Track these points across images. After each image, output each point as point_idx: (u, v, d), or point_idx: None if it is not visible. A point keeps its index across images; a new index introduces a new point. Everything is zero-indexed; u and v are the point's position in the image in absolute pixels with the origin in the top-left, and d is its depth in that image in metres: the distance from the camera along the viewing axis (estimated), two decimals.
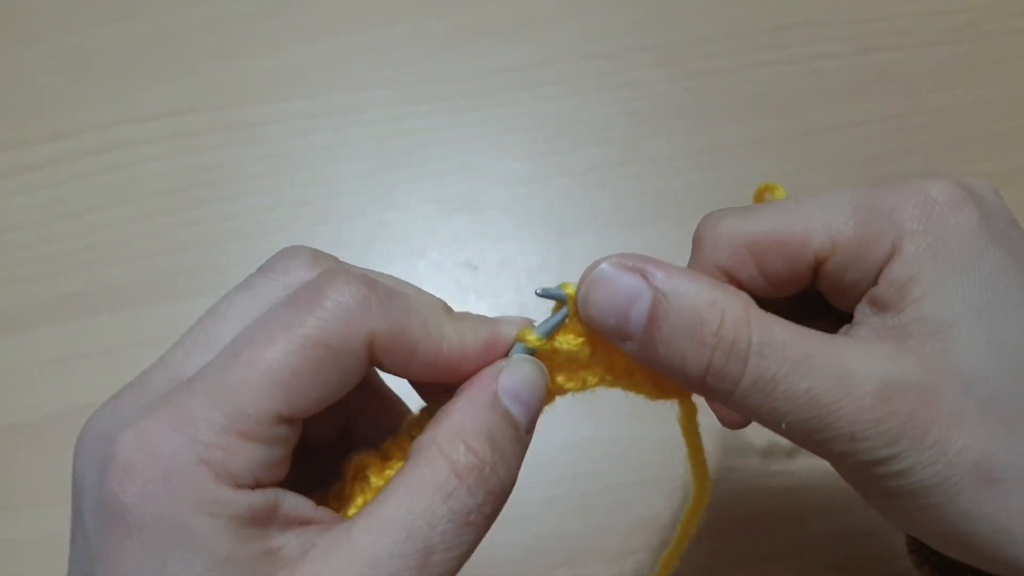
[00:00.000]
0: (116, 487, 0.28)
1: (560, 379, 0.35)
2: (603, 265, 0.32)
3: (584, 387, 0.35)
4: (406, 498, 0.28)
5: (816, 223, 0.32)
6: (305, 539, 0.29)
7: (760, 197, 0.36)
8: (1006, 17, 0.70)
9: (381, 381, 0.37)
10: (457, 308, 0.34)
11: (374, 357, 0.30)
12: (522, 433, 0.31)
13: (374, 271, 0.33)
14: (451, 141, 0.66)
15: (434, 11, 0.70)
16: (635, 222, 0.63)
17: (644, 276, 0.31)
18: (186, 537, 0.27)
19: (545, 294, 0.33)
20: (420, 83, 0.68)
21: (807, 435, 0.30)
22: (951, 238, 0.31)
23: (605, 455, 0.56)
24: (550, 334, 0.33)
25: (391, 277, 0.33)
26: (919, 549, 0.38)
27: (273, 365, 0.28)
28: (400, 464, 0.31)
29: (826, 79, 0.67)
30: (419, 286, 0.60)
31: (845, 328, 0.33)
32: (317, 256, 0.33)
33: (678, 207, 0.63)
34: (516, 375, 0.31)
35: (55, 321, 0.60)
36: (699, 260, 0.34)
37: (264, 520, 0.28)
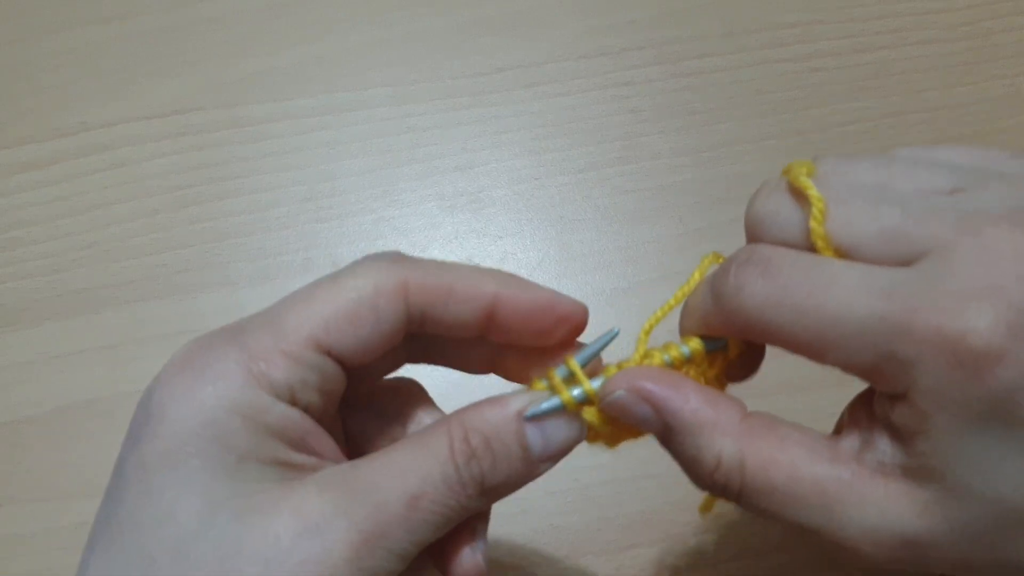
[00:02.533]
0: (160, 385, 0.31)
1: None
2: (619, 392, 0.34)
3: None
4: (411, 451, 0.32)
5: (832, 338, 0.29)
6: (317, 463, 0.32)
7: (792, 179, 0.34)
8: (1005, 14, 0.70)
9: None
10: None
11: (411, 309, 0.33)
12: (531, 456, 0.34)
13: None
14: (452, 139, 0.66)
15: (436, 9, 0.70)
16: (634, 219, 0.63)
17: (656, 410, 0.34)
18: (213, 432, 0.30)
19: (540, 413, 0.35)
20: (422, 81, 0.68)
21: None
22: (971, 404, 0.28)
23: (603, 450, 0.56)
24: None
25: None
26: None
27: (314, 301, 0.33)
28: None
29: (825, 77, 0.68)
30: None
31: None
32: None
33: (677, 204, 0.64)
34: (544, 408, 0.34)
35: (59, 317, 0.61)
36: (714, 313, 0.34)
37: (288, 436, 0.31)
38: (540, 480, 0.56)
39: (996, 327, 0.27)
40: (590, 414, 0.36)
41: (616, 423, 0.36)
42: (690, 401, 0.33)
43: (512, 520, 0.55)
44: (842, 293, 0.29)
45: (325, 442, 0.34)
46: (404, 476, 0.31)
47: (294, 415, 0.32)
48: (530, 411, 0.34)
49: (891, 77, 0.68)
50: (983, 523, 0.29)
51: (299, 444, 0.32)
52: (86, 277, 0.62)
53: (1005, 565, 0.30)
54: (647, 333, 0.36)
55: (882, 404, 0.31)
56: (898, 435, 0.30)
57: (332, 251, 0.63)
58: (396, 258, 0.34)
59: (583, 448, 0.56)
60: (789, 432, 0.33)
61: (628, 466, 0.56)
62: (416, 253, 0.63)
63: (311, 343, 0.32)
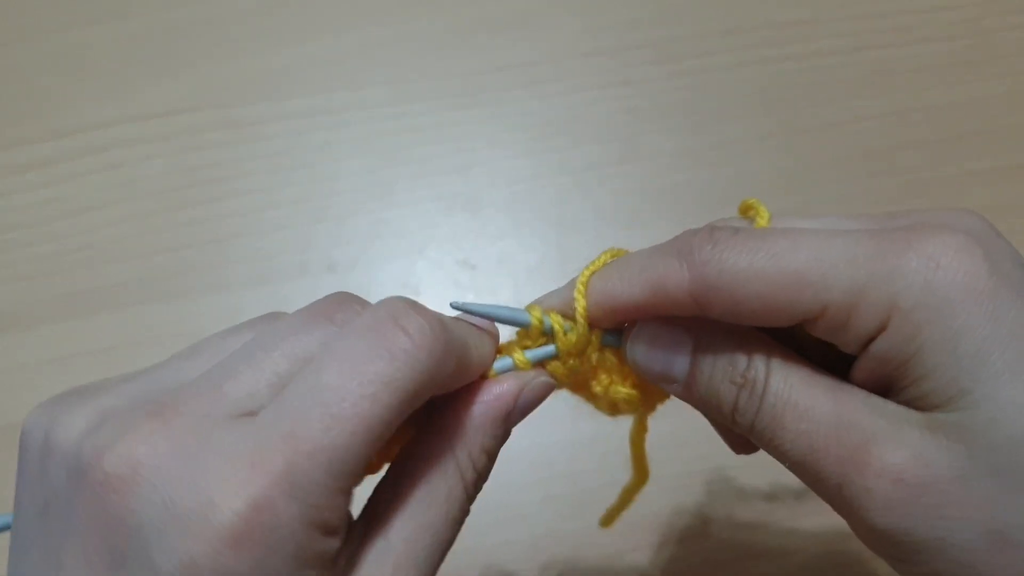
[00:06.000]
0: (230, 559, 0.27)
1: None
2: (643, 328, 0.35)
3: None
4: (432, 505, 0.32)
5: (809, 278, 0.30)
6: (350, 549, 0.31)
7: (744, 213, 0.36)
8: (1005, 13, 0.70)
9: None
10: None
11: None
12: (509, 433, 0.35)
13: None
14: (450, 139, 0.66)
15: (433, 8, 0.70)
16: (634, 220, 0.63)
17: (684, 328, 0.34)
18: None
19: (483, 313, 0.35)
20: (419, 80, 0.68)
21: (806, 477, 0.32)
22: (956, 305, 0.29)
23: (603, 453, 0.55)
24: (537, 362, 0.36)
25: None
26: None
27: (375, 423, 0.29)
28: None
29: (825, 76, 0.67)
30: (418, 285, 0.61)
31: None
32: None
33: (677, 204, 0.63)
34: (533, 398, 0.35)
35: (54, 320, 0.60)
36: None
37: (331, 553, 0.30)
38: (539, 485, 0.56)
39: (957, 241, 0.29)
40: (556, 369, 0.36)
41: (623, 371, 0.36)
42: (718, 321, 0.33)
43: (511, 525, 0.54)
44: (817, 237, 0.31)
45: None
46: (434, 537, 0.32)
47: (341, 537, 0.30)
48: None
49: (892, 76, 0.68)
50: (1000, 435, 0.28)
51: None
52: (81, 280, 0.61)
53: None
54: (584, 284, 0.35)
55: (862, 364, 0.31)
56: (886, 379, 0.30)
57: (329, 252, 0.62)
58: (437, 342, 0.30)
59: (581, 453, 0.56)
60: (809, 363, 0.33)
61: (627, 470, 0.55)
62: (414, 255, 0.64)
63: (364, 469, 0.30)
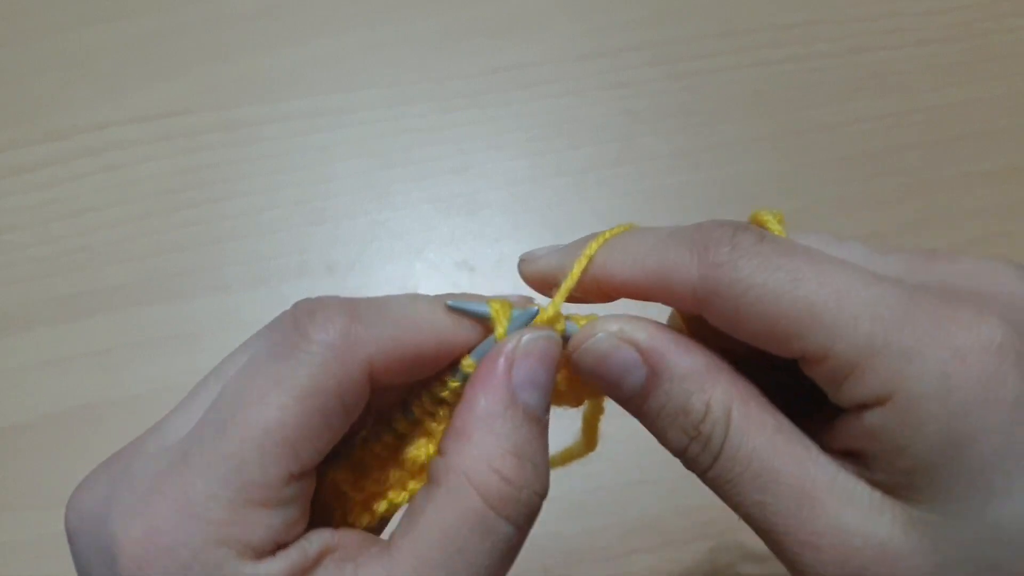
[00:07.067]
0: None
1: None
2: (600, 335, 0.31)
3: None
4: (443, 539, 0.28)
5: (824, 318, 0.27)
6: (344, 574, 0.28)
7: (756, 216, 0.34)
8: (1003, 15, 0.70)
9: None
10: None
11: (375, 379, 0.29)
12: (544, 421, 0.30)
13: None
14: (448, 140, 0.66)
15: (430, 10, 0.70)
16: (632, 221, 0.63)
17: (640, 352, 0.30)
18: None
19: (459, 307, 0.31)
20: (417, 82, 0.68)
21: (757, 532, 0.30)
22: (971, 412, 0.26)
23: (600, 455, 0.55)
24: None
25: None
26: None
27: (272, 424, 0.27)
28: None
29: (822, 78, 0.67)
30: (416, 286, 0.61)
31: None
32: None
33: (675, 206, 0.63)
34: (531, 359, 0.30)
35: (51, 322, 0.60)
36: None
37: (295, 573, 0.27)
38: None
39: (999, 332, 0.26)
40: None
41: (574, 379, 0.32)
42: (685, 346, 0.30)
43: None
44: (848, 276, 0.27)
45: (319, 536, 0.29)
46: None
47: (288, 559, 0.27)
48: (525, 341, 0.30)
49: (889, 78, 0.68)
50: (977, 550, 0.27)
51: (303, 569, 0.28)
52: (77, 281, 0.61)
53: None
54: (585, 261, 0.33)
55: (852, 423, 0.28)
56: (878, 453, 0.28)
57: (326, 254, 0.62)
58: (347, 328, 0.28)
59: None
60: (780, 417, 0.30)
61: (625, 472, 0.55)
62: (412, 256, 0.64)
63: (282, 480, 0.27)
